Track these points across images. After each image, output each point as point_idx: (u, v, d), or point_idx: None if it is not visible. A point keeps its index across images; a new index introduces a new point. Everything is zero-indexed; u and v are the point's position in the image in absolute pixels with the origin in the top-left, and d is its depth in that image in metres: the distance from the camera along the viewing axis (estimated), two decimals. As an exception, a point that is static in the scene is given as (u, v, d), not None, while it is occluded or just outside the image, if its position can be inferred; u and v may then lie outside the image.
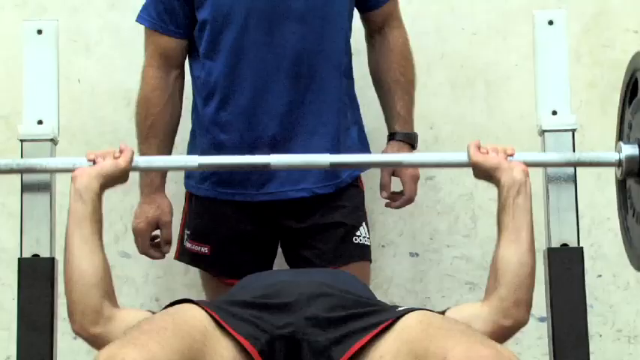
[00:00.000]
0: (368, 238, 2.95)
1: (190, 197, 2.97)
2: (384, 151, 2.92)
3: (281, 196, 2.82)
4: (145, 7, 2.86)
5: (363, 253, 2.94)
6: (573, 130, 2.56)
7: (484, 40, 3.33)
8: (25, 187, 2.53)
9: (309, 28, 2.79)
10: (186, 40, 2.87)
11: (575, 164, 2.51)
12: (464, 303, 2.36)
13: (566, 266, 2.47)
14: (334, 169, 2.74)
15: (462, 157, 2.46)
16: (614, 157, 2.41)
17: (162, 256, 2.93)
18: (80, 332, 2.25)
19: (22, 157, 2.53)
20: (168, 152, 2.90)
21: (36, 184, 2.52)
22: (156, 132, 2.87)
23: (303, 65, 2.80)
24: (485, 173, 2.42)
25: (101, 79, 3.30)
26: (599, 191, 3.16)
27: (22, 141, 2.55)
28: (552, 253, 2.49)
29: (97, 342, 2.22)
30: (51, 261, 2.48)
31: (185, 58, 2.92)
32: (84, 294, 2.24)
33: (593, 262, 3.18)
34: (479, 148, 2.44)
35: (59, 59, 2.63)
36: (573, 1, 3.26)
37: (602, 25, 3.27)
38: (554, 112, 2.57)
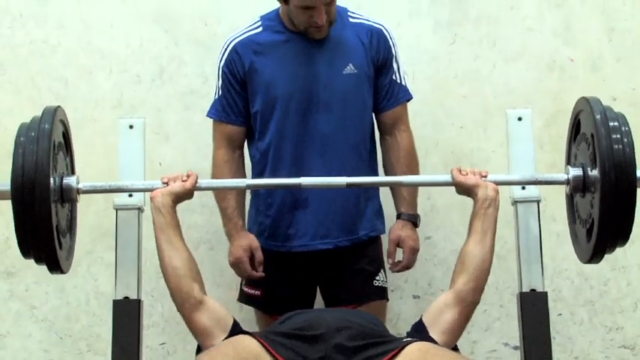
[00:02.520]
0: (385, 281, 2.92)
1: None
2: (393, 228, 2.87)
3: (311, 247, 2.81)
4: (212, 105, 2.88)
5: (381, 293, 2.91)
6: (538, 201, 2.56)
7: (469, 132, 3.32)
8: (118, 208, 2.56)
9: (332, 115, 2.80)
10: (244, 127, 2.87)
11: (535, 183, 2.52)
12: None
13: (534, 306, 2.46)
14: (350, 188, 2.65)
15: (447, 178, 2.48)
16: (563, 177, 2.42)
17: (262, 275, 2.81)
18: (180, 311, 2.30)
19: (116, 224, 2.55)
20: (242, 207, 2.86)
21: (126, 205, 2.56)
22: (230, 194, 2.83)
23: (327, 143, 2.80)
24: (465, 190, 2.45)
25: (177, 162, 3.30)
26: (559, 248, 3.14)
27: (116, 210, 2.57)
28: (523, 296, 2.48)
29: (192, 321, 2.28)
30: (138, 302, 2.48)
31: (244, 142, 2.92)
32: (179, 283, 2.30)
33: (554, 303, 3.15)
34: (460, 171, 2.47)
35: (145, 147, 2.66)
36: (537, 103, 3.26)
37: (559, 120, 3.26)
38: (523, 187, 2.57)
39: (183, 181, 2.44)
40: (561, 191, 3.18)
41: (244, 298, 2.97)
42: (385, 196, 2.95)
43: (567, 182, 2.40)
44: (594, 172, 2.28)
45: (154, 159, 3.22)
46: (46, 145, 2.21)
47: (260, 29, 2.85)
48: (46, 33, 3.31)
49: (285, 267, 2.83)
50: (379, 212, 2.96)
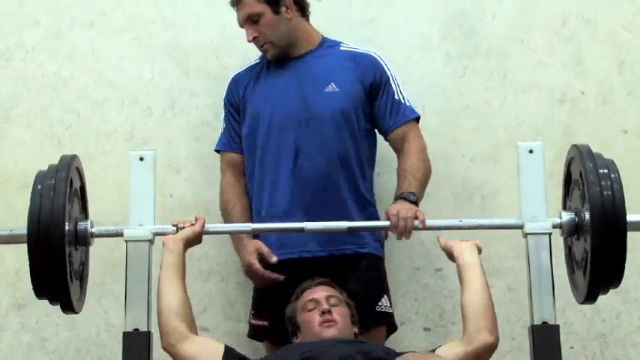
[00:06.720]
0: (389, 306, 2.90)
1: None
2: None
3: (309, 255, 2.86)
4: (219, 139, 3.06)
5: (383, 319, 2.89)
6: (549, 234, 2.55)
7: (479, 165, 3.32)
8: (129, 240, 2.57)
9: (312, 131, 2.88)
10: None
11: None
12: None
13: (546, 340, 2.45)
14: (351, 232, 2.77)
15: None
16: (556, 221, 2.50)
17: (279, 277, 2.83)
18: (165, 347, 2.38)
19: (126, 256, 2.55)
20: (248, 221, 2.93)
21: (137, 237, 2.56)
22: (236, 215, 2.93)
23: (308, 161, 2.88)
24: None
25: (187, 194, 3.31)
26: (571, 281, 3.13)
27: (126, 242, 2.57)
28: (535, 329, 2.46)
29: (179, 353, 2.36)
30: (148, 334, 2.47)
31: None
32: (168, 318, 2.39)
33: (566, 336, 3.13)
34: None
35: (156, 179, 2.66)
36: (548, 136, 3.26)
37: (570, 153, 3.27)
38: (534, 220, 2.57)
39: (192, 224, 2.56)
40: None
41: (252, 331, 2.95)
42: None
43: (560, 226, 2.49)
44: (587, 216, 2.35)
45: (165, 191, 3.23)
46: (62, 192, 2.34)
47: (258, 61, 3.05)
48: (58, 66, 3.34)
49: (291, 293, 2.82)
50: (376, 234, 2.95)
